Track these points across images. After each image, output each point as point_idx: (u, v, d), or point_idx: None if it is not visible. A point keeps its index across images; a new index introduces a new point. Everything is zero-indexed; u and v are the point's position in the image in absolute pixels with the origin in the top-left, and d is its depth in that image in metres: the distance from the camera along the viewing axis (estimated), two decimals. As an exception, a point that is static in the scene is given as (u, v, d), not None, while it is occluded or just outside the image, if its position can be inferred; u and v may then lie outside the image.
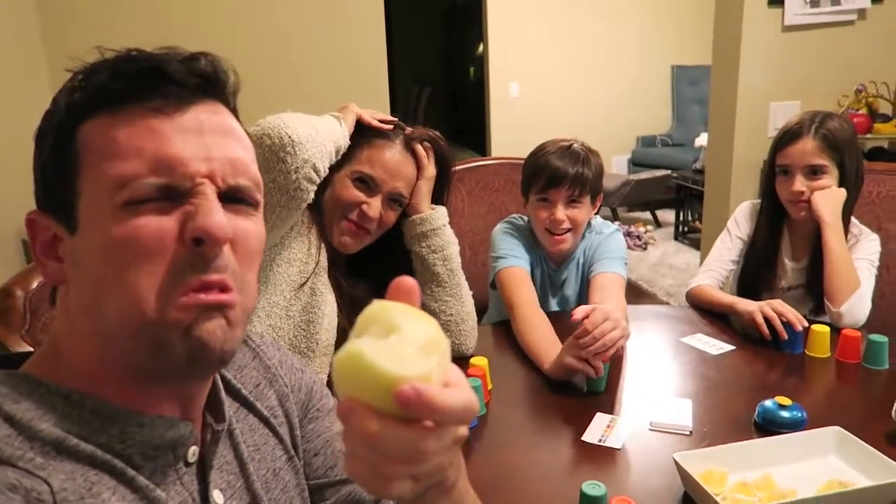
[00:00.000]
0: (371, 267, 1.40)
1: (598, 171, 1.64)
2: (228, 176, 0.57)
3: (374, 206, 1.31)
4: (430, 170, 1.38)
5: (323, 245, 1.30)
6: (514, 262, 1.64)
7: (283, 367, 0.77)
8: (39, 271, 0.60)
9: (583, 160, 1.60)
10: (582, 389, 1.32)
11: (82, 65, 0.57)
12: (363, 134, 1.33)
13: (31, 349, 1.12)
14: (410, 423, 0.44)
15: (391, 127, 1.36)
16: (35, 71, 2.57)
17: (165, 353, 0.53)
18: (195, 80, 0.57)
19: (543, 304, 1.74)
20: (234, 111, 0.62)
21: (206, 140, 0.56)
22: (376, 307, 0.46)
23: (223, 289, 0.55)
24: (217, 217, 0.54)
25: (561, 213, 1.60)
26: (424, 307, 1.40)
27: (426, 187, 1.39)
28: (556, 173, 1.59)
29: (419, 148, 1.36)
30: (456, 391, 0.45)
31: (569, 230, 1.63)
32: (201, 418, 0.64)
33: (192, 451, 0.61)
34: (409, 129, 1.38)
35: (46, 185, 0.57)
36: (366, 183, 1.31)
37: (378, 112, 1.39)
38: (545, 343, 1.41)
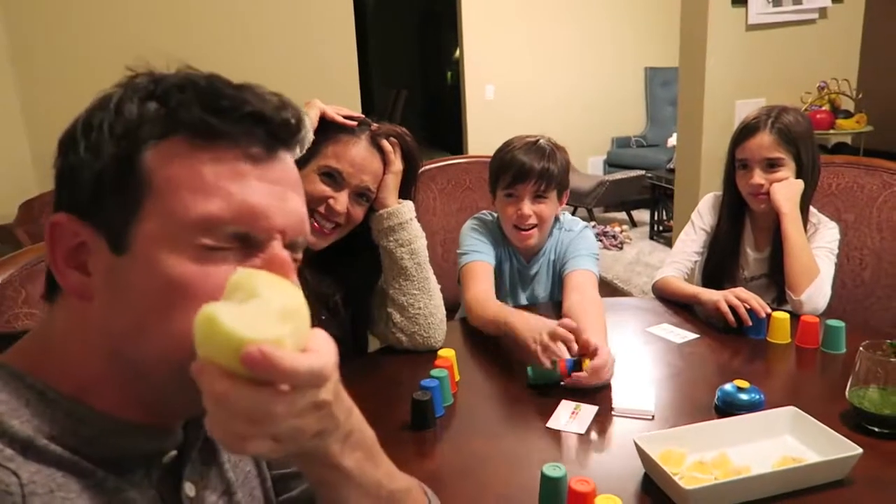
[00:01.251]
0: (337, 262, 1.41)
1: (564, 167, 1.67)
2: (295, 232, 0.58)
3: (341, 200, 1.32)
4: (397, 164, 1.40)
5: None
6: (476, 258, 1.67)
7: None
8: (59, 279, 0.54)
9: (548, 155, 1.63)
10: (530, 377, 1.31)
11: (145, 70, 0.55)
12: (329, 130, 1.34)
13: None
14: (260, 385, 0.45)
15: (356, 123, 1.37)
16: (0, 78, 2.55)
17: (194, 396, 0.48)
18: (286, 133, 0.57)
19: (513, 298, 1.77)
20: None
21: (286, 194, 0.57)
22: (243, 274, 0.48)
23: None
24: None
25: (528, 208, 1.63)
26: (392, 301, 1.42)
27: (393, 182, 1.40)
28: (522, 168, 1.61)
29: (385, 143, 1.38)
30: (308, 356, 0.47)
31: (535, 226, 1.65)
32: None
33: (170, 456, 0.61)
34: (374, 126, 1.39)
35: (97, 195, 0.53)
36: (332, 177, 1.32)
37: (343, 108, 1.40)
38: (504, 311, 1.46)
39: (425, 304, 1.43)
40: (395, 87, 8.82)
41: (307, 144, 0.61)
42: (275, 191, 0.55)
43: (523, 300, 1.79)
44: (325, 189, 1.31)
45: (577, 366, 1.27)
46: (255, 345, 0.44)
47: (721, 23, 2.79)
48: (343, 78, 2.94)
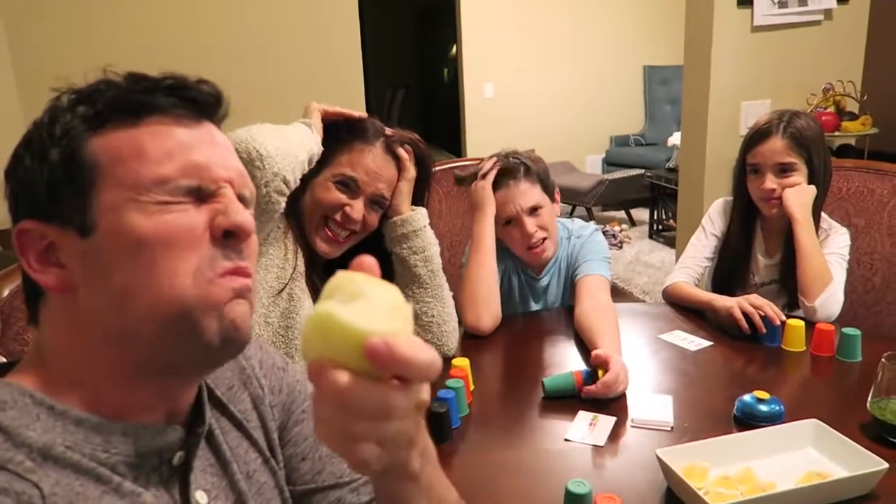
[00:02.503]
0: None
1: (544, 169, 1.67)
2: (238, 185, 0.63)
3: (357, 207, 1.31)
4: (411, 171, 1.38)
5: (300, 250, 1.30)
6: None
7: (263, 368, 0.77)
8: (39, 281, 0.58)
9: (526, 166, 1.63)
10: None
11: (78, 84, 0.60)
12: (342, 137, 1.33)
13: (4, 359, 1.10)
14: (379, 380, 0.46)
15: (366, 116, 1.36)
16: (3, 87, 2.52)
17: (199, 336, 0.56)
18: (209, 99, 0.62)
19: (524, 309, 1.76)
20: None
21: (220, 151, 0.62)
22: (342, 276, 0.48)
23: (248, 275, 0.60)
24: (245, 213, 0.61)
25: (531, 225, 1.62)
26: None
27: (407, 189, 1.38)
28: (509, 184, 1.61)
29: (401, 150, 1.36)
30: (423, 347, 0.47)
31: (544, 238, 1.64)
32: (187, 422, 0.65)
33: (178, 456, 0.62)
34: (389, 132, 1.38)
35: (51, 194, 0.57)
36: (348, 185, 1.31)
37: (338, 107, 1.38)
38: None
39: (439, 311, 1.41)
40: (392, 85, 8.80)
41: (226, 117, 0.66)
42: (211, 149, 0.61)
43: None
44: (341, 197, 1.30)
45: (592, 377, 1.26)
46: (377, 336, 0.44)
47: (726, 24, 2.77)
48: (347, 77, 2.92)
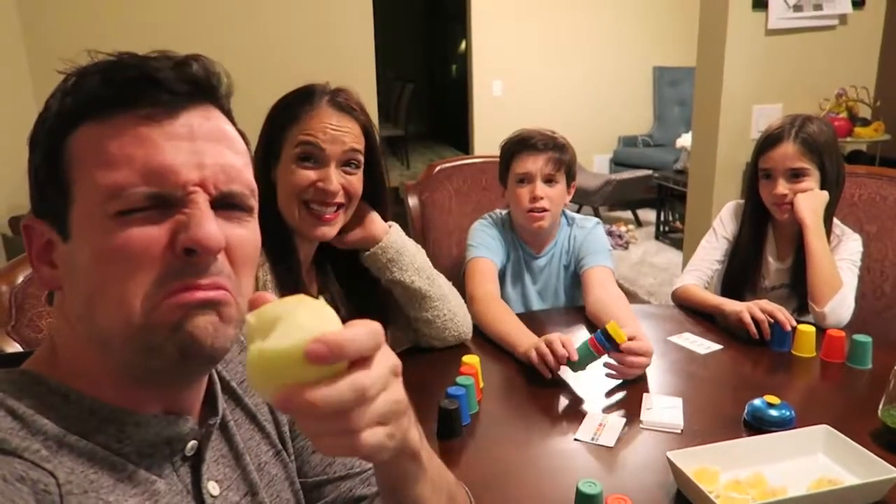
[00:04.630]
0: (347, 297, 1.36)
1: (573, 158, 1.73)
2: (221, 183, 0.56)
3: (331, 177, 1.19)
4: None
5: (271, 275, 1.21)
6: (482, 253, 1.70)
7: None
8: (35, 277, 0.59)
9: (559, 143, 1.69)
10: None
11: (73, 67, 0.56)
12: (284, 113, 1.23)
13: (20, 347, 1.10)
14: (337, 376, 0.45)
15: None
16: (17, 71, 2.52)
17: (157, 354, 0.54)
18: (186, 87, 0.56)
19: (521, 287, 1.81)
20: (229, 114, 0.61)
21: (197, 146, 0.55)
22: (250, 318, 0.48)
23: (217, 287, 0.55)
24: (209, 227, 0.54)
25: (540, 189, 1.66)
26: (416, 320, 1.40)
27: (366, 211, 1.31)
28: (536, 145, 1.66)
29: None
30: (354, 325, 0.47)
31: (546, 210, 1.68)
32: (199, 412, 0.65)
33: (191, 446, 0.62)
34: (327, 88, 1.25)
35: (40, 192, 0.57)
36: (312, 157, 1.20)
37: None
38: (514, 330, 1.46)
39: (448, 309, 1.42)
40: (399, 81, 8.77)
41: (231, 94, 0.60)
42: (183, 146, 0.54)
43: (532, 292, 1.81)
44: (308, 174, 1.20)
45: (605, 337, 1.29)
46: (310, 341, 0.44)
47: (741, 26, 2.76)
48: (359, 69, 2.91)
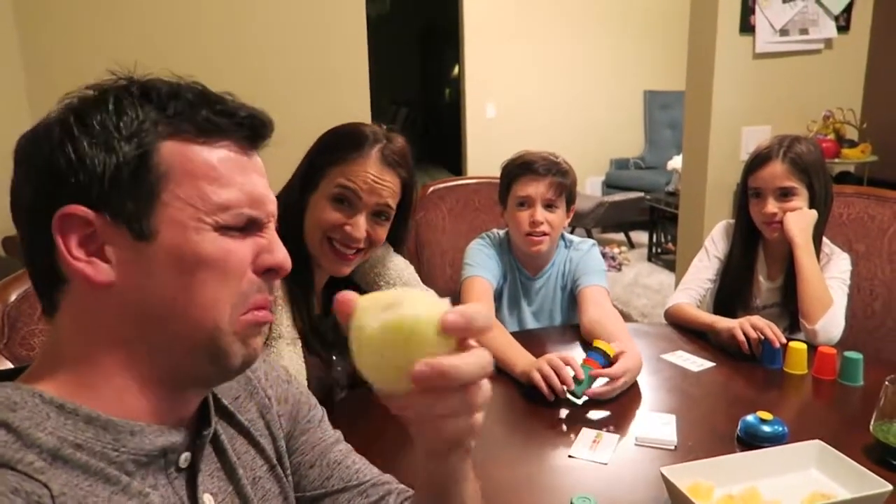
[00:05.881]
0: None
1: (574, 182, 1.74)
2: (274, 217, 0.66)
3: (359, 224, 1.24)
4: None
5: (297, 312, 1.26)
6: (479, 273, 1.70)
7: (269, 379, 0.78)
8: (74, 268, 0.56)
9: (562, 168, 1.69)
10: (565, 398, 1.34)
11: (132, 78, 0.60)
12: (336, 149, 1.27)
13: (11, 365, 1.09)
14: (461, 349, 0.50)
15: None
16: (10, 75, 2.53)
17: (222, 361, 0.60)
18: (266, 132, 0.64)
19: (517, 311, 1.81)
20: None
21: (266, 181, 0.65)
22: (362, 302, 0.50)
23: (270, 309, 0.64)
24: (285, 252, 0.63)
25: (540, 214, 1.66)
26: None
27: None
28: (538, 170, 1.66)
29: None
30: (469, 305, 0.51)
31: (546, 234, 1.68)
32: (192, 426, 0.65)
33: (185, 458, 0.62)
34: (382, 140, 1.29)
35: (114, 188, 0.56)
36: (346, 200, 1.25)
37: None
38: (511, 350, 1.46)
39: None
40: (394, 104, 8.84)
41: None
42: (262, 181, 0.63)
43: (527, 314, 1.81)
44: (338, 216, 1.24)
45: (600, 353, 1.34)
46: (446, 312, 0.48)
47: (729, 50, 2.81)
48: (353, 92, 2.93)
